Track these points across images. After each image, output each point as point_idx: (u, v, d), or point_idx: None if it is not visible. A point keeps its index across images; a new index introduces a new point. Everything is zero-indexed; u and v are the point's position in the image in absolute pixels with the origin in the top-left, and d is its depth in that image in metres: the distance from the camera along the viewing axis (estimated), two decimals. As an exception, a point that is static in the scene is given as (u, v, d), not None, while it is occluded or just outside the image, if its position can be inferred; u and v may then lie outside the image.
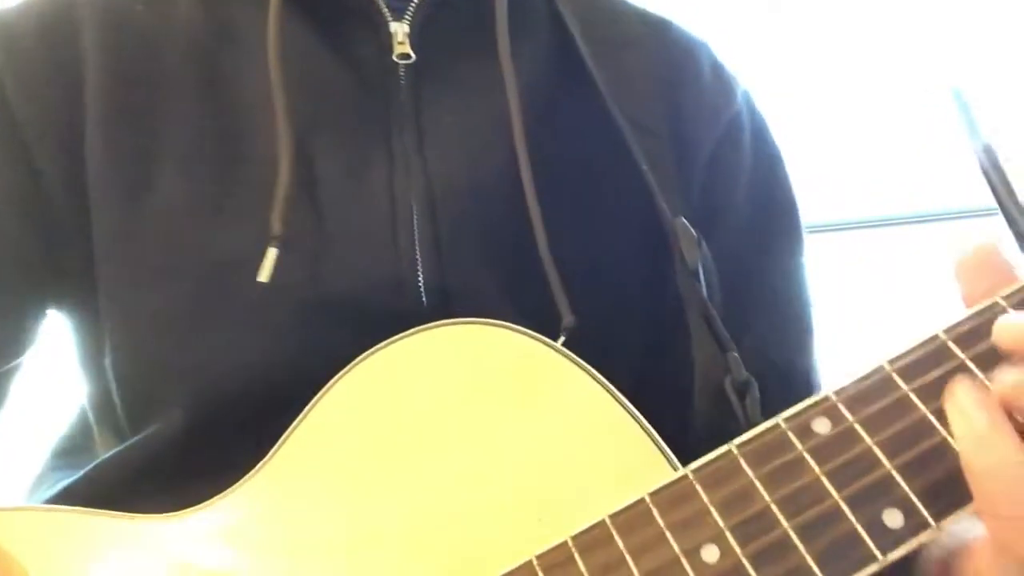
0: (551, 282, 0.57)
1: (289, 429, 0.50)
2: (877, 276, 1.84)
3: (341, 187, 0.58)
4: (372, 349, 0.51)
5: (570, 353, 0.49)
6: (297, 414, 0.51)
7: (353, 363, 0.51)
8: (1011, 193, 0.43)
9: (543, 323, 0.56)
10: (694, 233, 0.57)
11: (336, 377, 0.51)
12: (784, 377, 0.61)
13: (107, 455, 0.59)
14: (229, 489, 0.50)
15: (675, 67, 0.66)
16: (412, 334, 0.51)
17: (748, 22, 1.96)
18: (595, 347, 0.51)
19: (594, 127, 0.62)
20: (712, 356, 0.54)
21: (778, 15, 1.99)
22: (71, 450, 0.67)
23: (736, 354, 0.54)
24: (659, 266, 0.60)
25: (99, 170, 0.58)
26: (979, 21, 1.91)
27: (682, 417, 0.58)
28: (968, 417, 0.37)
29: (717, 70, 0.68)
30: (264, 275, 0.54)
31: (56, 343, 0.65)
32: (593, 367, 0.49)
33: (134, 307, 0.57)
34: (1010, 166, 0.43)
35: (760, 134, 0.68)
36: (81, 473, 0.60)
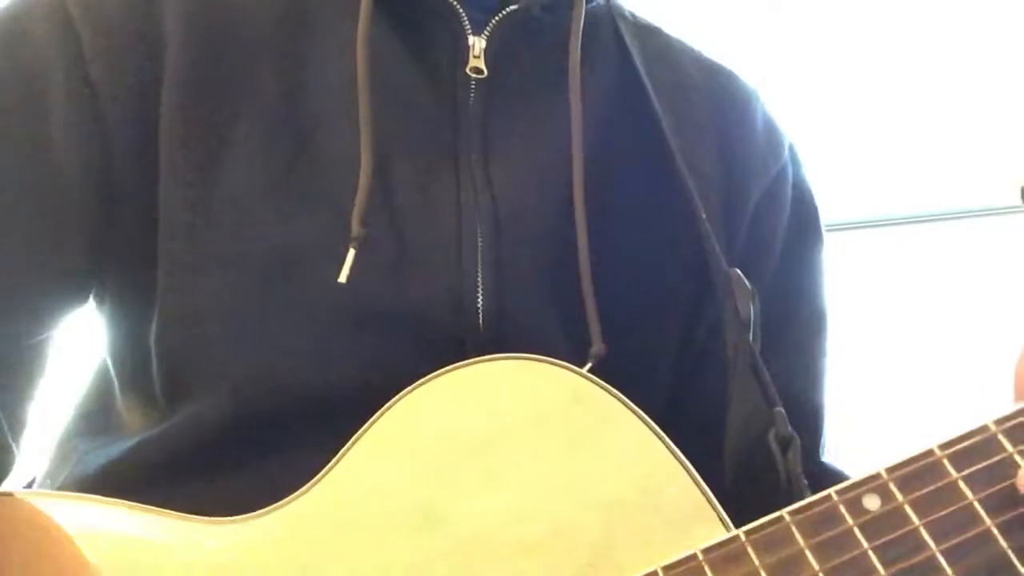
0: (588, 311, 0.58)
1: (346, 447, 0.52)
2: (871, 276, 1.88)
3: (412, 197, 0.59)
4: (432, 375, 0.52)
5: (623, 397, 0.50)
6: (346, 418, 0.52)
7: (412, 387, 0.52)
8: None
9: (586, 354, 0.58)
10: (749, 286, 0.58)
11: (395, 399, 0.52)
12: (799, 411, 0.63)
13: (149, 434, 0.60)
14: (285, 500, 0.51)
15: (731, 117, 0.68)
16: (470, 364, 0.52)
17: (748, 22, 1.96)
18: (625, 379, 0.52)
19: (653, 166, 0.63)
20: (756, 407, 0.56)
21: (778, 15, 1.99)
22: (94, 412, 0.68)
23: (782, 410, 0.56)
24: (697, 309, 0.62)
25: (172, 144, 0.58)
26: (977, 20, 1.93)
27: (701, 457, 0.60)
28: None
29: (768, 123, 0.70)
30: (343, 276, 0.54)
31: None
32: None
33: (196, 287, 0.57)
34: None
35: (800, 188, 0.70)
36: (123, 450, 0.60)
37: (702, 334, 0.65)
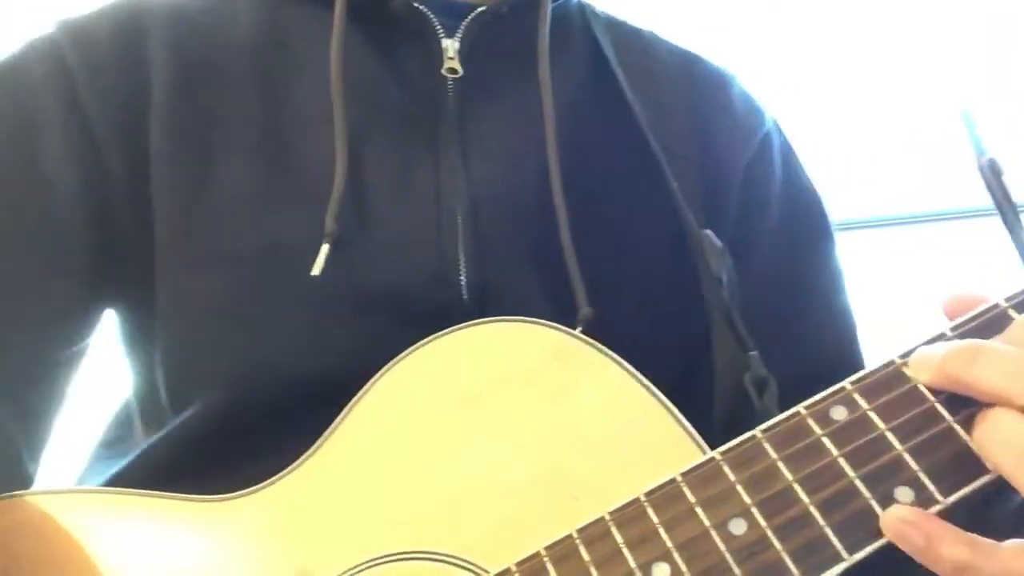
0: (572, 278, 0.61)
1: (338, 418, 0.54)
2: (875, 276, 1.85)
3: (388, 190, 0.63)
4: (417, 344, 0.55)
5: (602, 346, 0.53)
6: (339, 401, 0.55)
7: (399, 356, 0.55)
8: (1011, 204, 0.48)
9: (571, 319, 0.60)
10: (718, 244, 0.61)
11: (383, 369, 0.54)
12: (834, 373, 0.65)
13: (153, 439, 0.63)
14: (279, 474, 0.53)
15: (706, 100, 0.72)
16: (455, 331, 0.55)
17: (748, 22, 1.99)
18: (617, 343, 0.55)
19: (626, 146, 0.67)
20: (732, 355, 0.58)
21: (778, 15, 2.01)
22: (114, 441, 0.71)
23: (756, 353, 0.58)
24: (682, 277, 0.64)
25: (162, 163, 0.62)
26: (978, 20, 1.93)
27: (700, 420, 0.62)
28: None
29: (746, 99, 0.73)
30: (317, 269, 0.59)
31: (103, 338, 0.69)
32: None
33: (190, 290, 0.61)
34: (1008, 179, 0.47)
35: (787, 152, 0.73)
36: (132, 457, 0.63)
37: (693, 307, 0.66)
